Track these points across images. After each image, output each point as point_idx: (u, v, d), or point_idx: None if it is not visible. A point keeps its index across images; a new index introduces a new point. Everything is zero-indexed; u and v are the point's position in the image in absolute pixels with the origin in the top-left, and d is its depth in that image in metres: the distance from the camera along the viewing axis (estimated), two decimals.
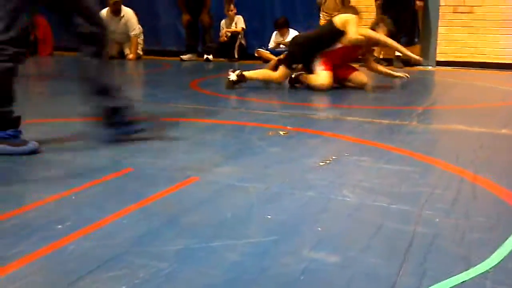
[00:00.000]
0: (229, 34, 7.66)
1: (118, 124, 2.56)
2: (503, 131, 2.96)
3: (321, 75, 4.47)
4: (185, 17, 7.69)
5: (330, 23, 4.69)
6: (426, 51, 7.20)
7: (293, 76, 4.64)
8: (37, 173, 2.14)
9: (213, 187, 1.93)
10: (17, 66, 2.29)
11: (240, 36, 7.68)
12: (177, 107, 3.70)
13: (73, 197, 1.81)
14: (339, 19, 4.58)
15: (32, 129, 2.57)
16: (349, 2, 7.31)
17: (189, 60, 7.66)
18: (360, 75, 4.66)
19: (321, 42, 4.55)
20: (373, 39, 4.62)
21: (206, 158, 2.35)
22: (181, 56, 7.68)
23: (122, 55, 7.79)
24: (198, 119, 3.26)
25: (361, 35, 4.50)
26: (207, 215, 1.67)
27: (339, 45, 4.52)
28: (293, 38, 5.23)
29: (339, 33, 4.50)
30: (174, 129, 2.98)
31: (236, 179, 2.01)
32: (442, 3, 7.01)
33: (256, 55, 7.56)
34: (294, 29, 7.45)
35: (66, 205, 1.73)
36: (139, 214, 1.66)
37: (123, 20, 7.70)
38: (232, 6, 7.59)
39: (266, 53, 7.48)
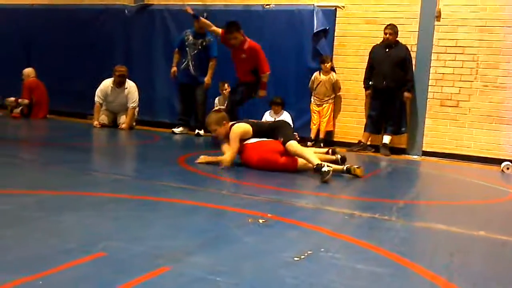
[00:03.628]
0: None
1: None
2: (481, 233, 2.98)
3: None
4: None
5: None
6: (413, 141, 7.37)
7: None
8: None
9: (183, 279, 1.91)
10: None
11: None
12: (160, 185, 3.71)
13: (40, 282, 1.78)
14: None
15: (12, 200, 2.56)
16: (340, 89, 7.56)
17: (181, 133, 7.77)
18: None
19: None
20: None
21: (180, 245, 2.33)
22: (173, 129, 7.80)
23: (115, 124, 7.90)
24: (178, 200, 3.26)
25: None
26: None
27: None
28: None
29: None
30: (153, 210, 2.99)
31: (207, 272, 2.00)
32: (430, 96, 7.26)
33: None
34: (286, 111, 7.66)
35: None
36: None
37: (125, 92, 7.88)
38: (226, 85, 7.81)
39: None
